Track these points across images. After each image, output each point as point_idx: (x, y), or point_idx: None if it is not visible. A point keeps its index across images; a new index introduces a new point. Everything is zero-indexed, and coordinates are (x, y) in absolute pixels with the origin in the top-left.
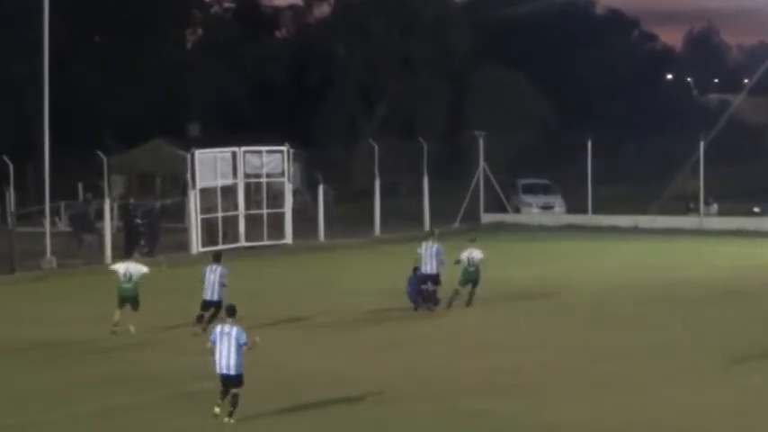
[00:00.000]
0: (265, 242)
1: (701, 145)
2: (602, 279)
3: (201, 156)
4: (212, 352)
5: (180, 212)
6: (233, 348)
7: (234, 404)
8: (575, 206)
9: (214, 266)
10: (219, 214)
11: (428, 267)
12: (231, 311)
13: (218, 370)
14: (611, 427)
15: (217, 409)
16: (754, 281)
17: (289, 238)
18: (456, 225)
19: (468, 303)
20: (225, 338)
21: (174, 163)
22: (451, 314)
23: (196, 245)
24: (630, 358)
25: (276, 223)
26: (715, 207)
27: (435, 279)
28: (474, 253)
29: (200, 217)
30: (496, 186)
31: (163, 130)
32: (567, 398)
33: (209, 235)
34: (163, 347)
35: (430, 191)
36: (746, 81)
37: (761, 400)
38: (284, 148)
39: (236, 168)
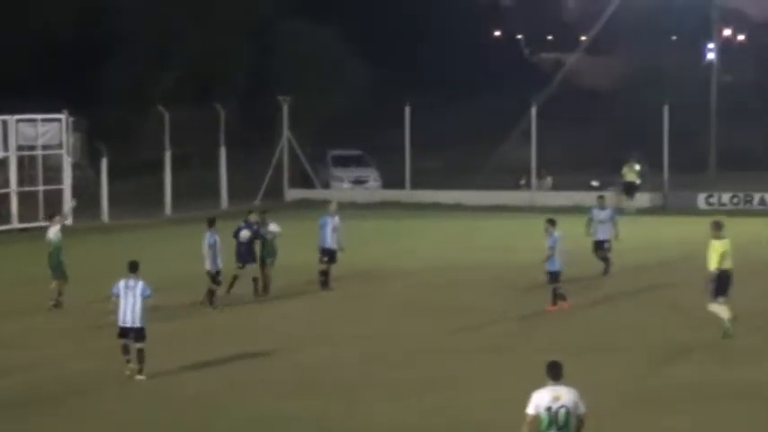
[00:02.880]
0: (41, 223)
1: (533, 110)
2: (424, 263)
3: None
4: (115, 305)
5: None
6: (138, 301)
7: (141, 359)
8: (392, 180)
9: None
10: None
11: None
12: (134, 267)
13: (120, 323)
14: (430, 428)
15: (128, 372)
16: (592, 264)
17: (68, 218)
18: (257, 202)
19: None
20: (129, 292)
21: None
22: (248, 307)
23: None
24: (456, 352)
25: (54, 201)
26: (549, 180)
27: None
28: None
29: None
30: (302, 158)
31: None
32: (385, 396)
33: None
34: None
35: (228, 163)
36: (584, 38)
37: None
38: (63, 117)
39: (8, 139)
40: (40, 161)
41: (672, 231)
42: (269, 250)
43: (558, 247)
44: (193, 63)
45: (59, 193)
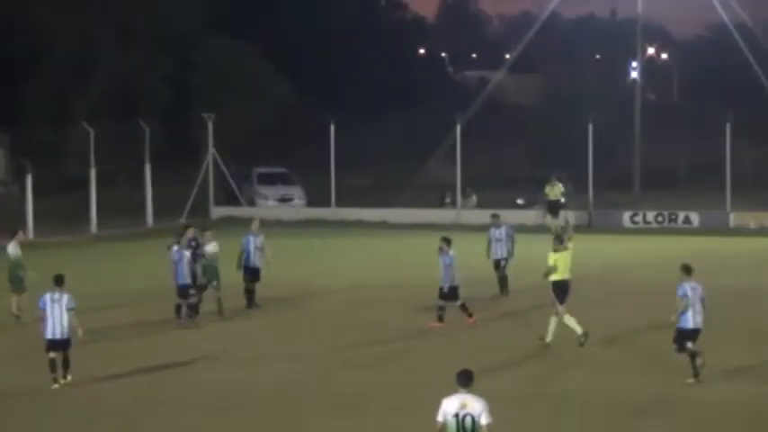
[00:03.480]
0: None
1: (458, 128)
2: (349, 281)
3: None
4: (43, 318)
5: None
6: (64, 314)
7: (67, 364)
8: (317, 198)
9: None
10: None
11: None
12: (59, 281)
13: (49, 335)
14: None
15: (56, 385)
16: (522, 280)
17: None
18: (182, 220)
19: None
20: (56, 305)
21: None
22: (172, 325)
23: None
24: (379, 369)
25: None
26: (474, 199)
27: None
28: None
29: None
30: (228, 176)
31: None
32: (312, 414)
33: None
34: None
35: (153, 181)
36: (508, 56)
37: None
38: None
39: None
40: None
41: (596, 250)
42: (211, 274)
43: (455, 264)
44: (116, 79)
45: None
